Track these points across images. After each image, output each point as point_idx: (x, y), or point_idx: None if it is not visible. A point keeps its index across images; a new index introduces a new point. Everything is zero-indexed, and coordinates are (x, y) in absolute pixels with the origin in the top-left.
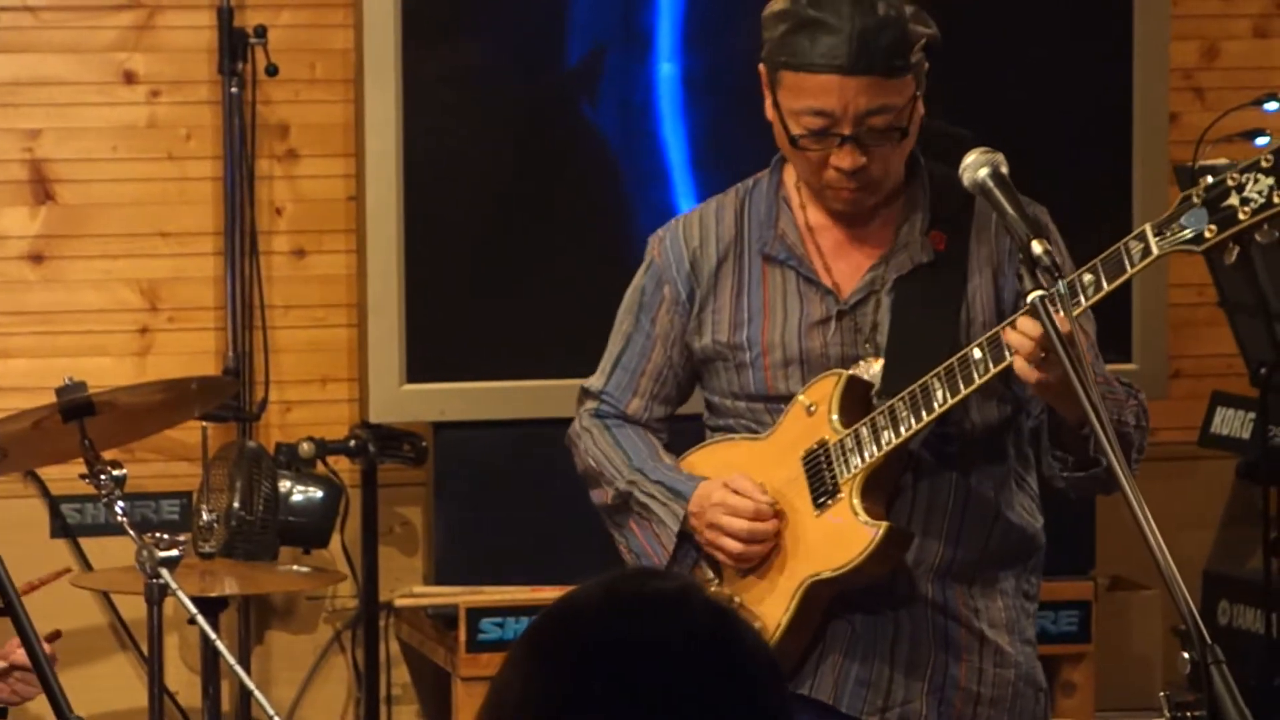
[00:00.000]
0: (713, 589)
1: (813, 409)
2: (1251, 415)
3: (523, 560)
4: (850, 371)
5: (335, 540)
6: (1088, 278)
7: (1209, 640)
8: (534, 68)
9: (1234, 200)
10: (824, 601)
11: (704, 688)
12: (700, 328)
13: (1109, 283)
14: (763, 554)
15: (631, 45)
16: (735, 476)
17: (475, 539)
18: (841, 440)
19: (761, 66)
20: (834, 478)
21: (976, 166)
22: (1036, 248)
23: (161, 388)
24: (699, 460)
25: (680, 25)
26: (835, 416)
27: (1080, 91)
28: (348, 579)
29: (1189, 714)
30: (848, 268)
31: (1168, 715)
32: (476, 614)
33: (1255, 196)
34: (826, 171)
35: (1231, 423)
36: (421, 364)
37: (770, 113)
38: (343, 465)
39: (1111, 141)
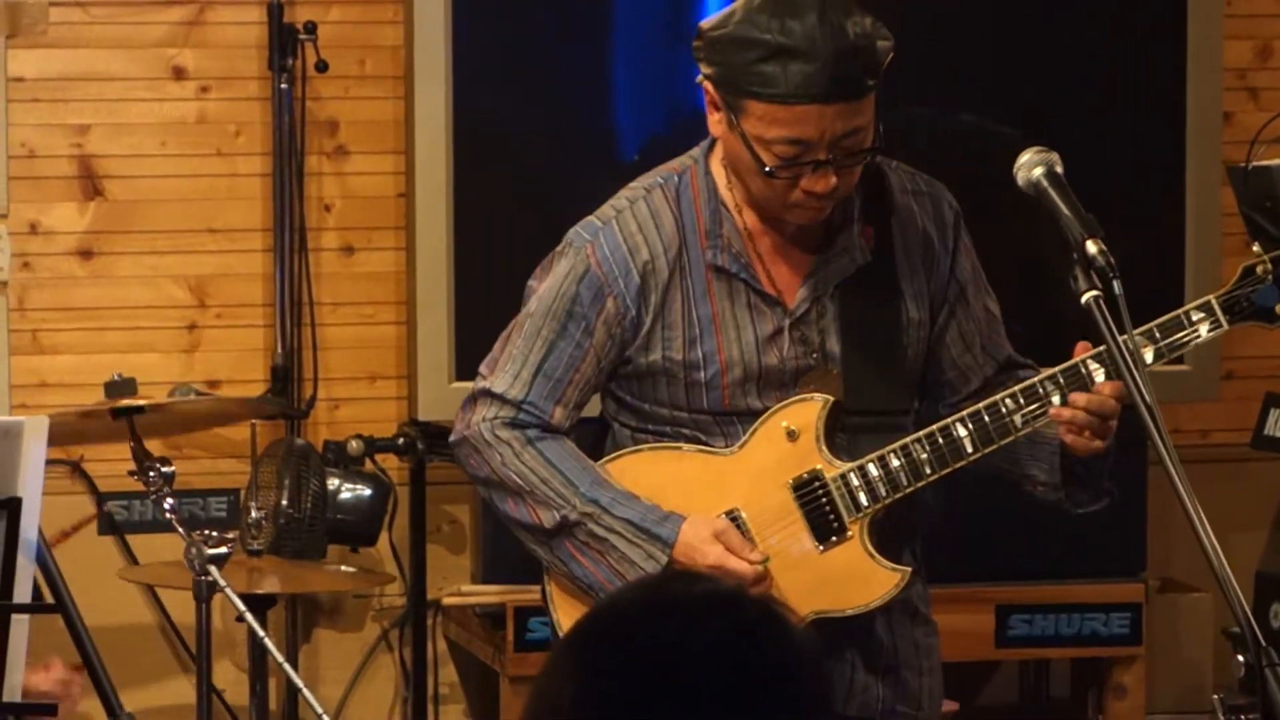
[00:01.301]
0: None
1: (795, 434)
2: None
3: None
4: (831, 398)
5: (383, 538)
6: (1148, 346)
7: (1263, 643)
8: (583, 61)
9: None
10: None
11: (757, 688)
12: (649, 344)
13: (1171, 353)
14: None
15: (677, 43)
16: (724, 528)
17: None
18: (844, 475)
19: (710, 85)
20: (838, 515)
21: (1031, 165)
22: (1091, 248)
23: (209, 403)
24: (635, 469)
25: None
26: (824, 446)
27: (1134, 91)
28: (396, 578)
29: (1243, 717)
30: (787, 272)
31: (1222, 718)
32: (524, 613)
33: None
34: (794, 194)
35: None
36: (470, 361)
37: (720, 130)
38: (391, 463)
39: (1165, 141)
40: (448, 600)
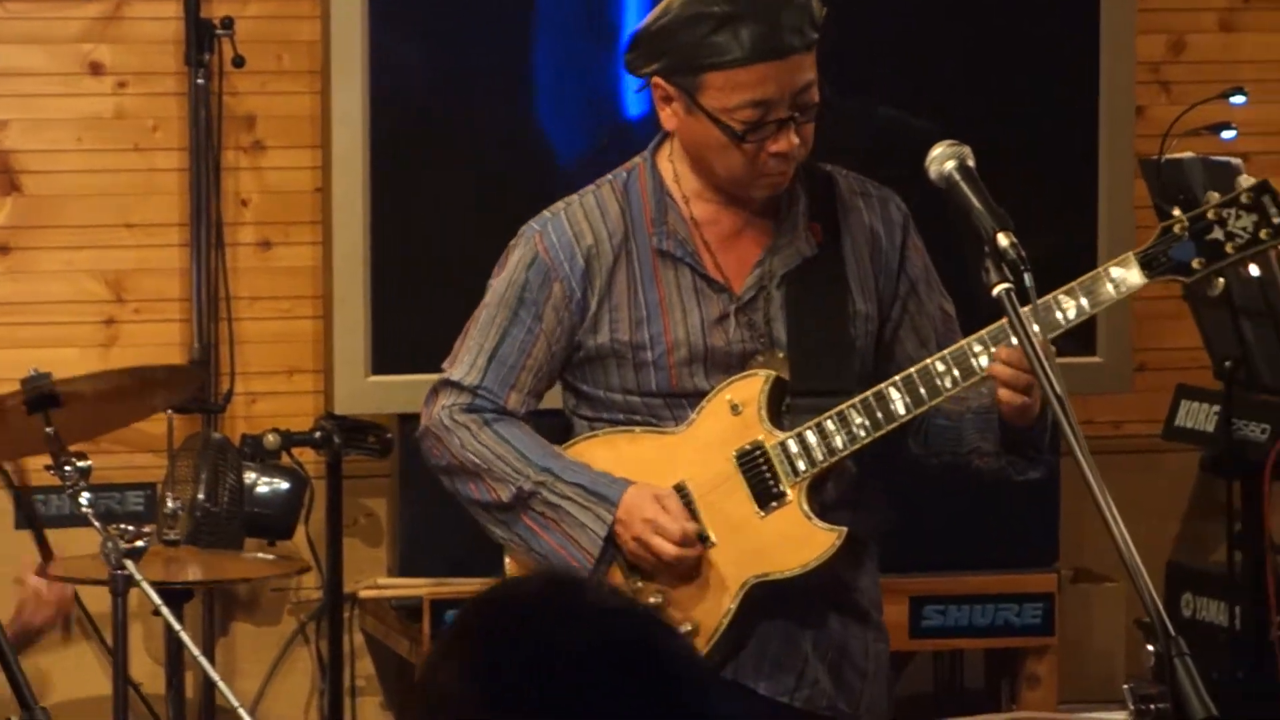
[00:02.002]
0: (637, 585)
1: (739, 408)
2: (1216, 408)
3: (487, 552)
4: (775, 372)
5: (300, 532)
6: (1067, 301)
7: (1173, 632)
8: (501, 61)
9: (1218, 234)
10: (759, 601)
11: (642, 696)
12: (596, 326)
13: (1092, 308)
14: (682, 580)
15: (598, 41)
16: (666, 493)
17: (439, 531)
18: (783, 443)
19: (659, 80)
20: (777, 480)
21: (943, 159)
22: (1003, 241)
23: (126, 375)
24: (590, 452)
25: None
26: (766, 417)
27: (1047, 84)
28: (312, 570)
29: (1152, 706)
30: (735, 262)
31: (1132, 707)
32: (441, 606)
33: (1240, 233)
34: (762, 161)
35: (1196, 416)
36: (387, 356)
37: (677, 121)
38: (308, 457)
39: (1077, 134)
40: (364, 593)
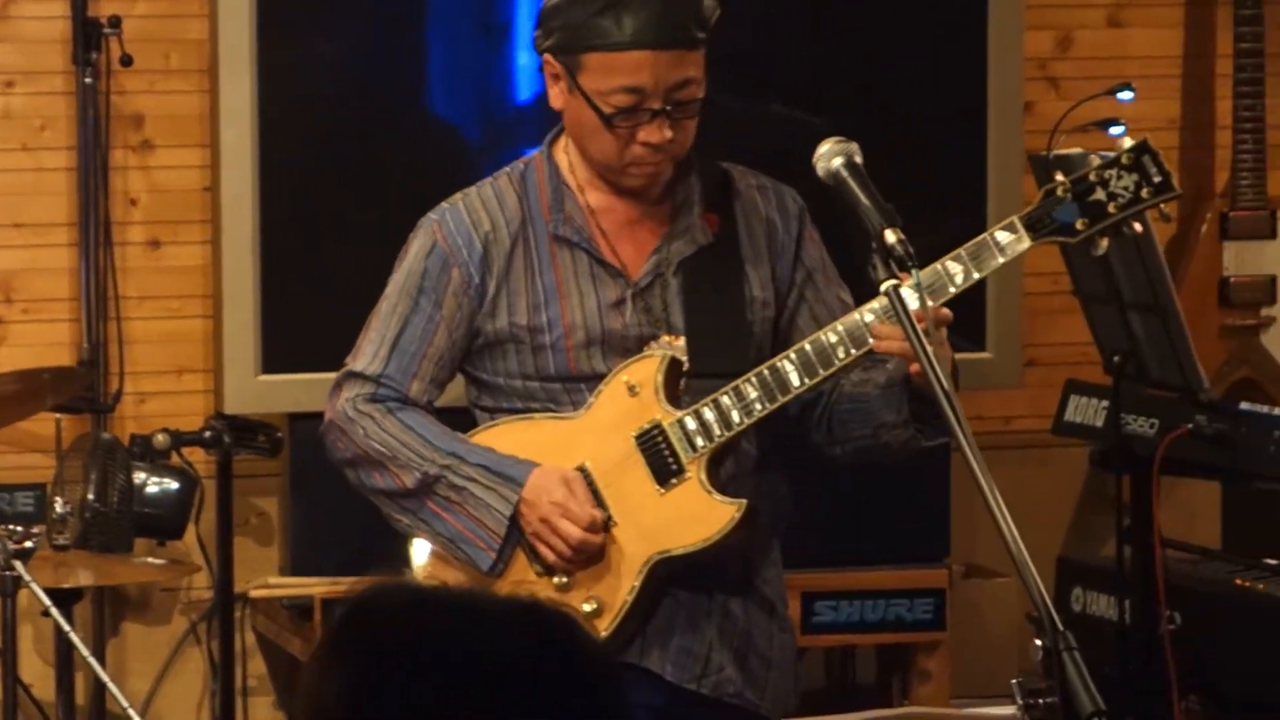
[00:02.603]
0: (539, 569)
1: (636, 390)
2: (1104, 403)
3: (378, 551)
4: (670, 353)
5: (190, 532)
6: (954, 267)
7: (1061, 627)
8: (391, 58)
9: (1101, 195)
10: (663, 579)
11: (550, 699)
12: (495, 311)
13: (979, 272)
14: (585, 563)
15: (490, 35)
16: (573, 477)
17: (330, 530)
18: (680, 420)
19: (549, 56)
20: (676, 458)
21: (830, 156)
22: (890, 237)
23: (13, 379)
24: (490, 441)
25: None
26: (664, 397)
27: (935, 80)
28: (203, 570)
29: (1041, 701)
30: (632, 249)
31: (1020, 702)
32: (332, 605)
33: (1122, 192)
34: (632, 148)
35: (1085, 410)
36: (277, 355)
37: (562, 100)
38: (198, 456)
39: (966, 130)
40: (255, 593)
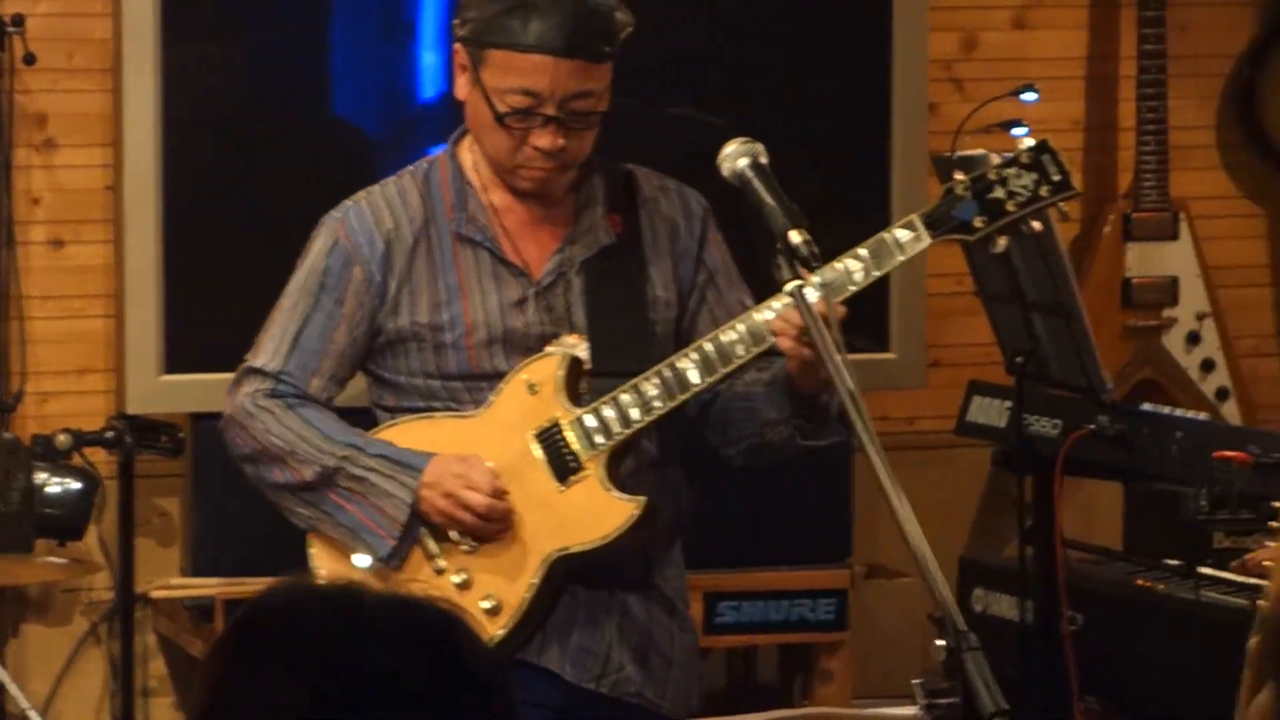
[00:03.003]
0: (441, 566)
1: (536, 388)
2: (1007, 404)
3: (279, 552)
4: (571, 352)
5: (92, 532)
6: (854, 265)
7: (963, 627)
8: (295, 57)
9: (1000, 193)
10: (562, 576)
11: (437, 698)
12: (397, 309)
13: (879, 269)
14: (499, 532)
15: (394, 34)
16: (473, 455)
17: (232, 530)
18: (579, 418)
19: (459, 45)
20: (575, 456)
21: (735, 156)
22: (795, 238)
23: None
24: (393, 439)
25: (444, 15)
26: (564, 396)
27: (840, 81)
28: (104, 570)
29: (943, 701)
30: (534, 249)
31: (922, 702)
32: (234, 606)
33: (1020, 190)
34: (524, 150)
35: (988, 411)
36: (179, 355)
37: (465, 91)
38: (100, 457)
39: (871, 131)
40: (156, 593)
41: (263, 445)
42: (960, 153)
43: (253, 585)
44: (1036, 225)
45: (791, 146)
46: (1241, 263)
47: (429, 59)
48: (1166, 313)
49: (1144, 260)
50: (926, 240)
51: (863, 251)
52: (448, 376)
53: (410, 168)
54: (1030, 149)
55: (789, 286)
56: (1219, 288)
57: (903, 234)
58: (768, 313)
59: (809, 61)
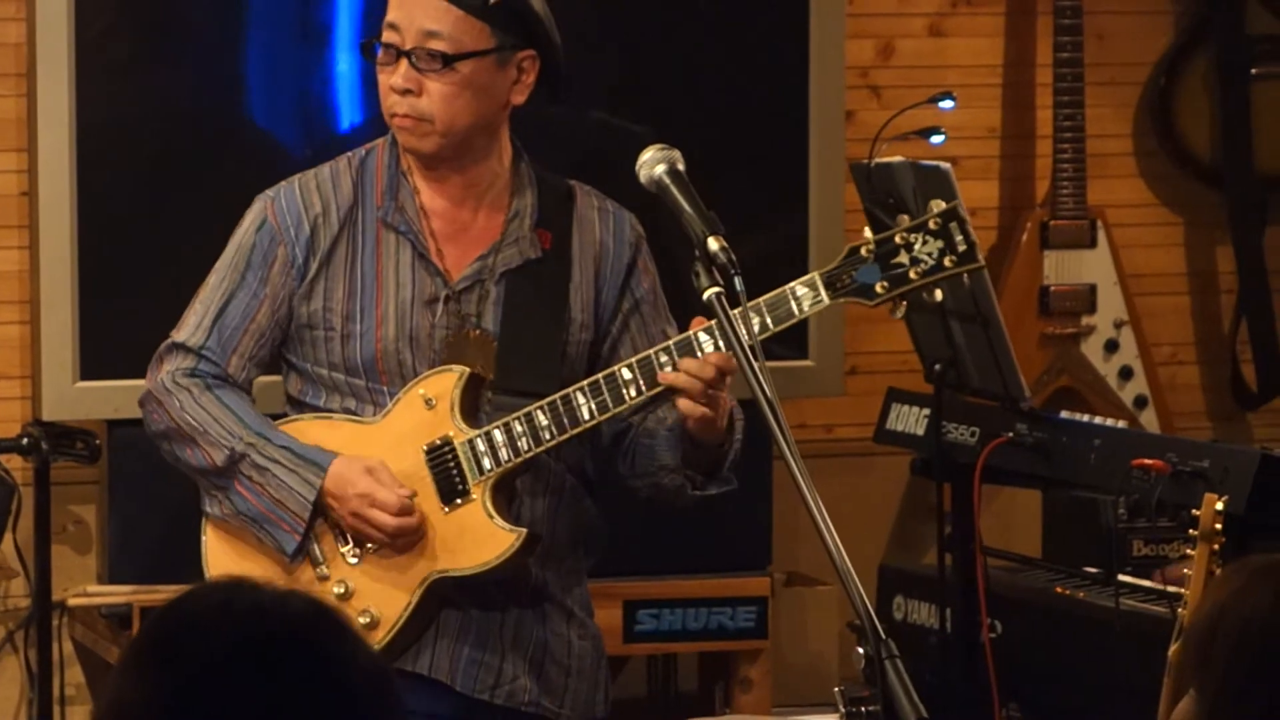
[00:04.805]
0: (349, 562)
1: (432, 403)
2: (926, 411)
3: (197, 559)
4: (470, 370)
5: (8, 539)
6: (752, 317)
7: (883, 635)
8: (210, 62)
9: (904, 259)
10: (443, 595)
11: (306, 699)
12: (310, 293)
13: (775, 326)
14: (406, 546)
15: (309, 39)
16: (376, 464)
17: (149, 537)
18: (471, 440)
19: None
20: (463, 478)
21: (653, 163)
22: (713, 244)
23: None
24: (293, 433)
25: (359, 20)
26: (459, 414)
27: (757, 88)
28: (20, 578)
29: (863, 709)
30: (458, 253)
31: (843, 711)
32: (150, 612)
33: (925, 258)
34: (390, 96)
35: (907, 419)
36: (95, 361)
37: None
38: (15, 463)
39: (788, 138)
40: (73, 601)
41: (177, 424)
42: (878, 160)
43: (169, 592)
44: (937, 295)
45: (709, 153)
46: (1159, 270)
47: (344, 64)
48: (1084, 320)
49: (1062, 268)
50: (825, 300)
51: (762, 304)
52: (352, 370)
53: (349, 153)
54: (939, 215)
55: (707, 294)
56: (1137, 295)
57: (802, 290)
58: (663, 356)
59: (727, 68)
